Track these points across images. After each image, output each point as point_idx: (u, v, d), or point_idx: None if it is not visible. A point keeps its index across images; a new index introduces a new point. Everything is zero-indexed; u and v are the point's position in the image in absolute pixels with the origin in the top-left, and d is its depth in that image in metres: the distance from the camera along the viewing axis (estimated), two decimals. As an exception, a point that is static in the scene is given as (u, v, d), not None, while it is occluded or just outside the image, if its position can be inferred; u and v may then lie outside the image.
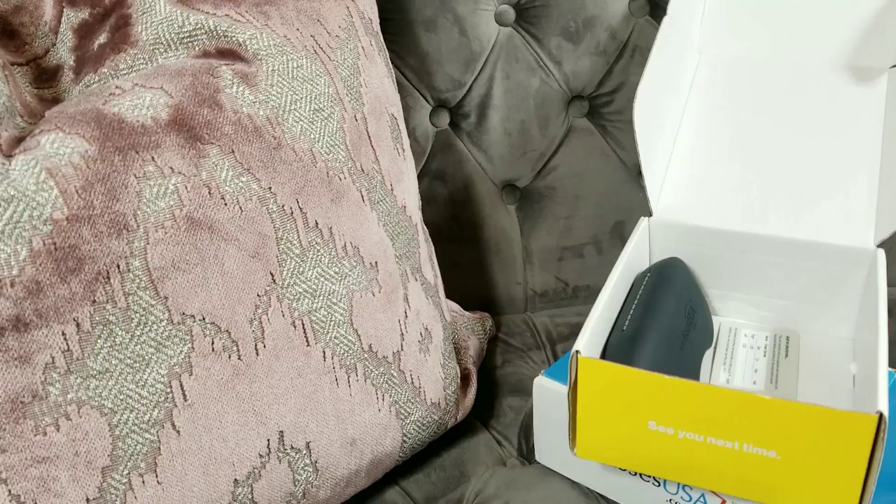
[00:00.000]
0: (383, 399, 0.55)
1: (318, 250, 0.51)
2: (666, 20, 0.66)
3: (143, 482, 0.44)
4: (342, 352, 0.52)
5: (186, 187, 0.46)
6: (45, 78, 0.53)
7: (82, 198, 0.42)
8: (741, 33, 0.71)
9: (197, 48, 0.51)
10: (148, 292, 0.44)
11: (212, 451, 0.47)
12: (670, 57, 0.67)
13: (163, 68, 0.49)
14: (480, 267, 0.85)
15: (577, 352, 0.47)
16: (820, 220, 0.61)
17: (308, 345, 0.51)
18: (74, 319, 0.42)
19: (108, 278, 0.43)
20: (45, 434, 0.42)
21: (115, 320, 0.43)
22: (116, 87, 0.47)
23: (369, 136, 0.57)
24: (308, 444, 0.51)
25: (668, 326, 0.56)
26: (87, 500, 0.43)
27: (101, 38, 0.52)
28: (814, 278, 0.61)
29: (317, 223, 0.51)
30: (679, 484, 0.52)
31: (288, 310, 0.50)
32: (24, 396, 0.41)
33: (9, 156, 0.42)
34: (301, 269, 0.50)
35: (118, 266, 0.43)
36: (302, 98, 0.52)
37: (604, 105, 0.83)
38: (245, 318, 0.48)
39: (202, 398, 0.46)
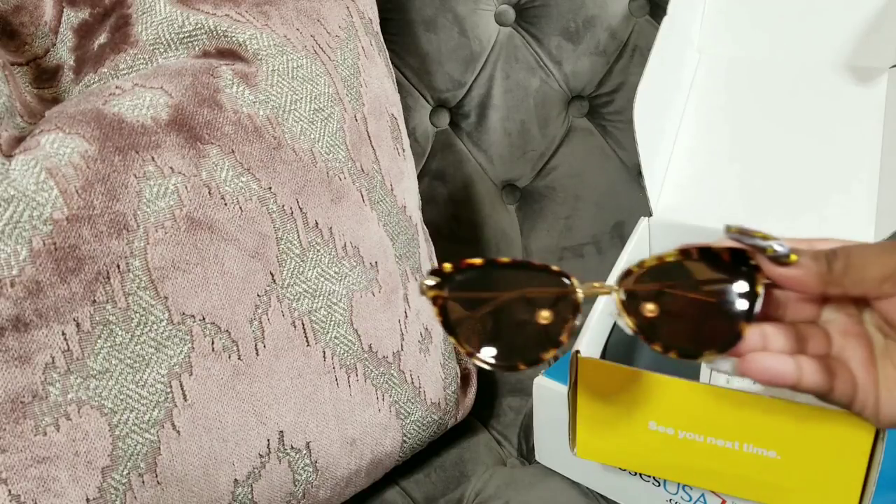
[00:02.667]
0: (383, 399, 0.55)
1: (318, 250, 0.51)
2: (666, 20, 0.66)
3: (143, 482, 0.44)
4: (342, 352, 0.52)
5: (186, 187, 0.46)
6: (45, 78, 0.53)
7: (82, 198, 0.42)
8: (741, 33, 0.71)
9: (197, 48, 0.51)
10: (148, 292, 0.44)
11: (212, 451, 0.47)
12: (670, 57, 0.67)
13: (163, 68, 0.49)
14: (480, 267, 0.85)
15: (577, 352, 0.47)
16: (820, 220, 0.61)
17: (308, 345, 0.51)
18: (74, 319, 0.42)
19: (108, 278, 0.43)
20: (45, 434, 0.42)
21: (115, 320, 0.43)
22: (116, 87, 0.47)
23: (369, 136, 0.57)
24: (308, 444, 0.51)
25: (668, 326, 0.56)
26: (87, 500, 0.43)
27: (101, 38, 0.52)
28: (814, 278, 0.61)
29: (317, 223, 0.51)
30: (679, 484, 0.52)
31: (288, 310, 0.50)
32: (24, 396, 0.41)
33: (9, 156, 0.42)
34: (301, 269, 0.50)
35: (118, 266, 0.43)
36: (302, 98, 0.52)
37: (604, 105, 0.83)
38: (245, 318, 0.48)
39: (202, 398, 0.46)
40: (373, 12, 0.62)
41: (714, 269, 0.35)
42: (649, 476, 0.53)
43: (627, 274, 0.35)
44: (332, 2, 0.56)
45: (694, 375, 0.57)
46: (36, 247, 0.41)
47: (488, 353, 0.35)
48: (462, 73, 0.80)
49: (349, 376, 0.53)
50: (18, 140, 0.44)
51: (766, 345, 0.35)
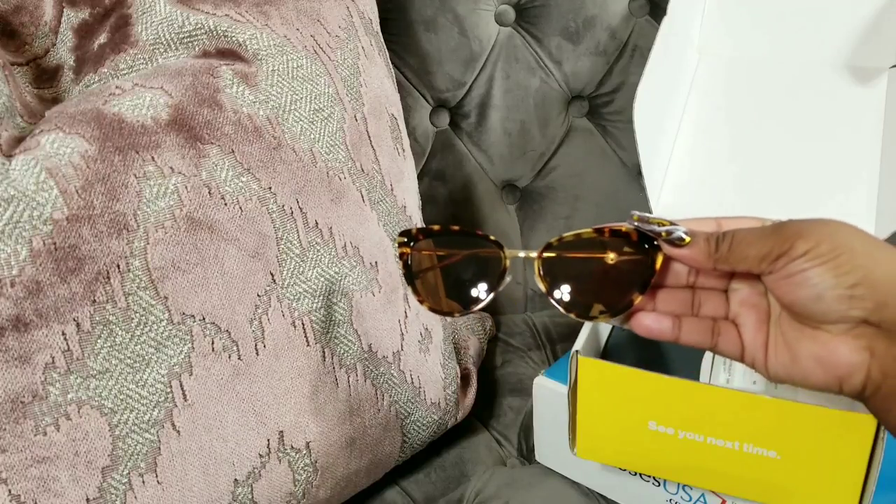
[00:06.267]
0: (383, 399, 0.55)
1: (318, 250, 0.51)
2: (666, 20, 0.66)
3: (143, 482, 0.44)
4: (342, 352, 0.52)
5: (186, 187, 0.46)
6: (45, 78, 0.53)
7: (82, 198, 0.42)
8: (741, 33, 0.71)
9: (197, 48, 0.51)
10: (148, 292, 0.44)
11: (212, 451, 0.47)
12: (670, 57, 0.67)
13: (163, 68, 0.49)
14: (480, 267, 0.85)
15: (576, 352, 0.47)
16: (820, 220, 0.61)
17: (308, 345, 0.51)
18: (74, 319, 0.42)
19: (108, 278, 0.43)
20: (45, 434, 0.42)
21: (115, 320, 0.43)
22: (116, 87, 0.47)
23: (369, 136, 0.57)
24: (308, 444, 0.51)
25: (668, 326, 0.56)
26: (87, 500, 0.43)
27: (101, 38, 0.52)
28: (814, 278, 0.61)
29: (317, 223, 0.51)
30: (679, 484, 0.52)
31: (288, 310, 0.50)
32: (24, 396, 0.41)
33: (9, 156, 0.42)
34: (301, 269, 0.50)
35: (118, 266, 0.43)
36: (302, 98, 0.52)
37: (604, 105, 0.83)
38: (245, 318, 0.48)
39: (202, 398, 0.46)
40: (373, 12, 0.62)
41: (620, 245, 0.41)
42: (649, 476, 0.53)
43: (548, 246, 0.42)
44: (332, 2, 0.56)
45: (694, 375, 0.57)
46: (36, 247, 0.41)
47: (432, 301, 0.43)
48: (462, 73, 0.80)
49: (349, 376, 0.53)
50: (18, 140, 0.44)
51: (655, 306, 0.42)
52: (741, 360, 0.41)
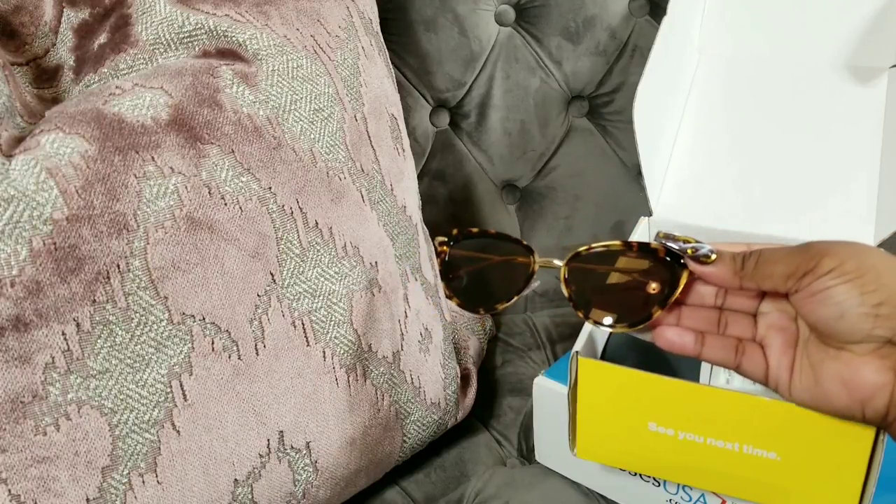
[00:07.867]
0: (383, 399, 0.55)
1: (318, 250, 0.51)
2: (666, 20, 0.66)
3: (143, 482, 0.44)
4: (342, 352, 0.52)
5: (186, 187, 0.46)
6: (45, 78, 0.53)
7: (82, 198, 0.42)
8: (741, 33, 0.71)
9: (197, 48, 0.51)
10: (148, 292, 0.44)
11: (212, 451, 0.47)
12: (670, 57, 0.67)
13: (163, 68, 0.49)
14: (480, 267, 0.85)
15: (576, 352, 0.47)
16: (820, 220, 0.61)
17: (308, 345, 0.51)
18: (74, 319, 0.42)
19: (108, 278, 0.43)
20: (45, 434, 0.42)
21: (115, 320, 0.43)
22: (116, 87, 0.47)
23: (369, 136, 0.57)
24: (308, 444, 0.51)
25: (668, 326, 0.56)
26: (87, 500, 0.43)
27: (101, 38, 0.52)
28: (814, 278, 0.61)
29: (317, 223, 0.51)
30: (679, 484, 0.52)
31: (288, 310, 0.50)
32: (24, 396, 0.41)
33: (9, 156, 0.42)
34: (301, 269, 0.50)
35: (118, 266, 0.43)
36: (302, 98, 0.52)
37: (604, 105, 0.83)
38: (245, 318, 0.48)
39: (202, 398, 0.46)
40: (373, 12, 0.62)
41: (646, 260, 0.42)
42: (649, 476, 0.53)
43: (576, 255, 0.43)
44: (332, 2, 0.56)
45: (694, 376, 0.57)
46: (36, 247, 0.41)
47: (461, 297, 0.46)
48: (462, 73, 0.80)
49: (349, 376, 0.53)
50: (18, 140, 0.44)
51: (679, 322, 0.42)
52: (765, 381, 0.41)
